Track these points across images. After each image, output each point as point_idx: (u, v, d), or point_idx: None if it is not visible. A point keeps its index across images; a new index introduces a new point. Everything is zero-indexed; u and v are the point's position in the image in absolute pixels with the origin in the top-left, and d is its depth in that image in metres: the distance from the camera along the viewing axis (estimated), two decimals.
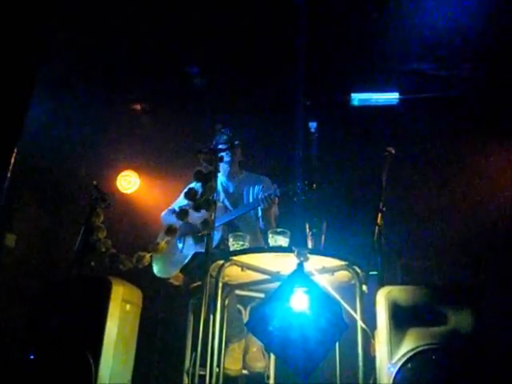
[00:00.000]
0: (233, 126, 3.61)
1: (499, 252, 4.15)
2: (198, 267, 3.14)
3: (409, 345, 2.19)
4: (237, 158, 3.67)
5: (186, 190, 2.94)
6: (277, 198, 3.26)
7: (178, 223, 3.04)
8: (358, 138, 4.68)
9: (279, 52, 4.41)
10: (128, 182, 4.98)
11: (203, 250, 2.65)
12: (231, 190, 3.65)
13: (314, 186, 3.02)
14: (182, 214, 3.01)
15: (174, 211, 3.42)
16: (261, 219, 3.44)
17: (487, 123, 4.48)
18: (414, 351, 2.17)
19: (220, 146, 3.18)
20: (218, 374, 2.56)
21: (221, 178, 3.66)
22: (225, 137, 3.47)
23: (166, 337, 4.27)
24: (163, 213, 3.72)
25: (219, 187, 3.63)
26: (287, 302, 2.26)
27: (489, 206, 4.37)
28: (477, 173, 4.52)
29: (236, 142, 3.44)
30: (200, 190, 2.81)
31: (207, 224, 2.63)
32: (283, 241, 2.59)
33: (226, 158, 3.54)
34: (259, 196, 3.33)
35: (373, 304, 2.34)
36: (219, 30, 4.23)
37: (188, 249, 3.39)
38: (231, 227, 3.35)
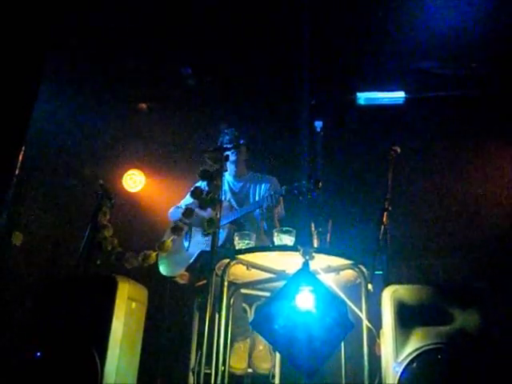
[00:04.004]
0: (238, 125, 3.62)
1: (505, 251, 4.14)
2: (203, 266, 3.15)
3: (414, 344, 2.18)
4: (243, 158, 3.67)
5: (192, 188, 2.96)
6: (281, 198, 3.25)
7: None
8: (363, 137, 4.68)
9: (284, 51, 4.41)
10: (134, 181, 5.01)
11: (209, 249, 2.66)
12: (238, 190, 3.66)
13: (320, 184, 3.02)
14: (187, 212, 3.02)
15: (180, 208, 3.43)
16: (264, 220, 3.43)
17: (493, 123, 4.46)
18: (420, 350, 2.16)
19: (226, 146, 3.19)
20: (223, 373, 2.57)
21: (227, 177, 3.67)
22: (230, 136, 3.49)
23: (171, 335, 4.28)
24: (170, 211, 3.73)
25: (226, 187, 3.64)
26: (292, 301, 2.25)
27: (495, 206, 4.36)
28: (483, 172, 4.50)
29: (241, 142, 3.44)
30: (206, 189, 2.82)
31: (213, 223, 2.64)
32: (289, 239, 2.59)
33: (232, 158, 3.55)
34: (265, 194, 3.34)
35: (378, 303, 2.34)
36: (223, 29, 4.23)
37: (194, 247, 3.40)
38: (237, 226, 3.36)
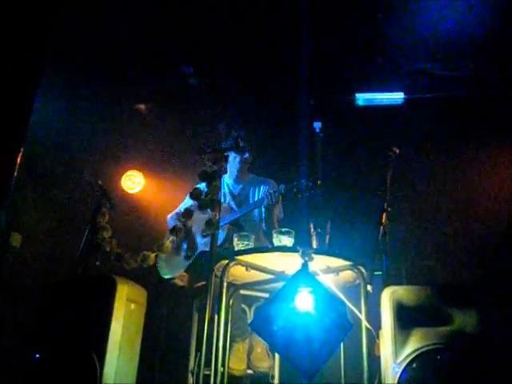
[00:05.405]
0: (237, 126, 3.61)
1: (504, 252, 4.14)
2: (202, 267, 3.14)
3: (413, 345, 2.18)
4: (248, 161, 3.62)
5: (191, 190, 2.95)
6: (281, 197, 3.24)
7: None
8: (362, 138, 4.68)
9: (284, 52, 4.41)
10: (133, 182, 5.00)
11: (208, 250, 2.65)
12: (237, 193, 3.65)
13: (319, 182, 3.01)
14: (186, 214, 3.02)
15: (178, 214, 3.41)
16: (263, 220, 3.43)
17: (492, 123, 4.47)
18: (419, 351, 2.16)
19: (225, 147, 3.18)
20: (222, 374, 2.56)
21: (227, 180, 3.66)
22: (231, 138, 3.47)
23: (170, 336, 4.28)
24: (169, 215, 3.70)
25: (226, 189, 3.63)
26: (292, 302, 2.25)
27: (493, 206, 4.37)
28: (483, 173, 4.51)
29: (242, 144, 3.43)
30: (205, 190, 2.81)
31: (212, 224, 2.64)
32: (288, 240, 2.59)
33: (234, 161, 3.54)
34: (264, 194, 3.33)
35: (377, 304, 2.34)
36: (223, 30, 4.24)
37: None
38: (236, 227, 3.35)
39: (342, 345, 2.73)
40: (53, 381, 2.35)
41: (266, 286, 2.93)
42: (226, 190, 3.63)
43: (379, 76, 4.68)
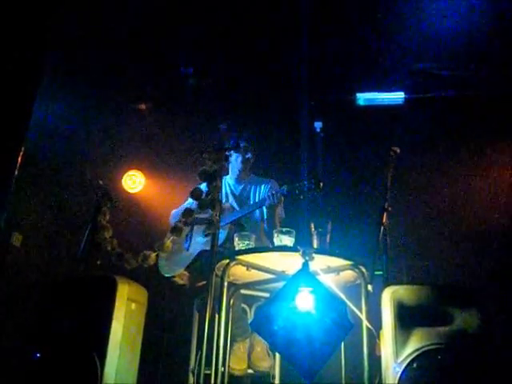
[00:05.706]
0: (240, 127, 3.61)
1: (505, 252, 4.14)
2: (203, 266, 3.14)
3: (414, 344, 2.18)
4: (246, 161, 3.62)
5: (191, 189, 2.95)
6: (283, 197, 3.24)
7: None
8: (363, 138, 4.69)
9: (284, 52, 4.42)
10: (133, 182, 5.01)
11: (209, 249, 2.65)
12: (238, 193, 3.65)
13: (321, 184, 3.01)
14: (186, 214, 3.02)
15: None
16: (265, 220, 3.43)
17: (492, 123, 4.47)
18: (420, 351, 2.16)
19: (226, 146, 3.18)
20: (223, 374, 2.57)
21: (229, 180, 3.66)
22: (233, 138, 3.47)
23: (171, 336, 4.28)
24: (174, 211, 3.69)
25: (227, 189, 3.63)
26: (292, 302, 2.25)
27: (493, 206, 4.37)
28: (481, 173, 4.51)
29: (242, 144, 3.43)
30: (206, 190, 2.81)
31: (212, 223, 2.64)
32: (288, 240, 2.59)
33: (235, 161, 3.55)
34: (266, 194, 3.33)
35: (378, 304, 2.34)
36: (223, 30, 4.24)
37: (194, 247, 3.38)
38: (238, 227, 3.35)
39: (342, 345, 2.74)
40: (53, 381, 2.35)
41: (267, 286, 2.93)
42: (228, 190, 3.64)
43: (379, 76, 4.68)
